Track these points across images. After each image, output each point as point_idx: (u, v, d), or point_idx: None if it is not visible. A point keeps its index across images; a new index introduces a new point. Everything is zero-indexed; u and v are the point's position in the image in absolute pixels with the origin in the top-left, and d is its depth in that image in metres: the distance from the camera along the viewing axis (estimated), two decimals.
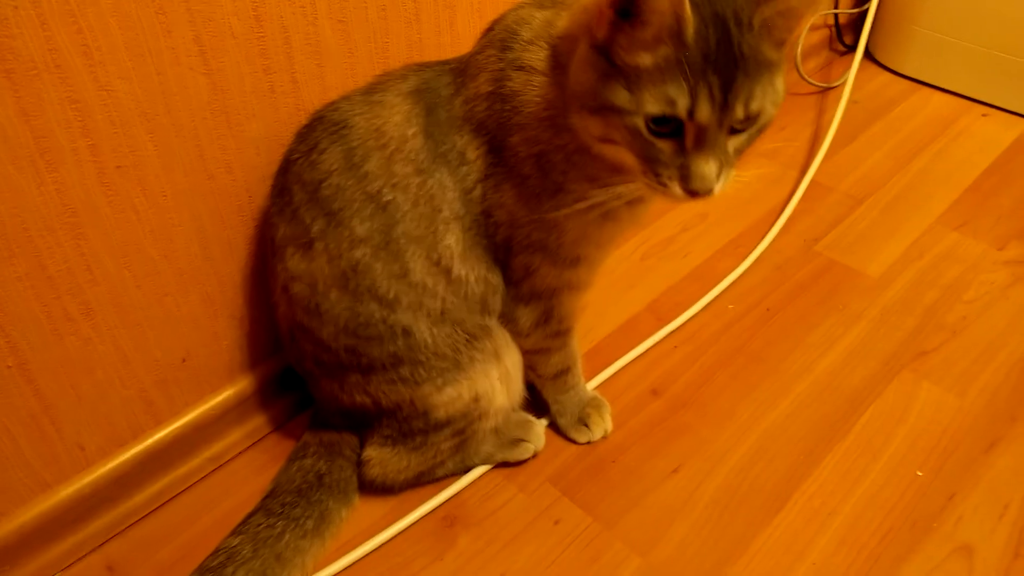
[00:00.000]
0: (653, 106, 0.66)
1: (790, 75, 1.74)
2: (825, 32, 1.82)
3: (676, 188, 0.70)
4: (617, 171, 0.76)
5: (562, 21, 0.76)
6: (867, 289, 1.27)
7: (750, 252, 1.33)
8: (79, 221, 0.79)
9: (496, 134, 0.80)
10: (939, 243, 1.35)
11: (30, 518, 0.87)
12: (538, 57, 0.77)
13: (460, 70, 0.83)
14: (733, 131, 0.69)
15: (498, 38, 0.80)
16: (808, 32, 1.72)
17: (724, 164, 0.70)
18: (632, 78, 0.66)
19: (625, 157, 0.72)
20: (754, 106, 0.68)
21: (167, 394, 0.96)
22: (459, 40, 1.05)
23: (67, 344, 0.84)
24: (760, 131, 0.72)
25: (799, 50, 1.69)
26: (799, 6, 0.66)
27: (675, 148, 0.69)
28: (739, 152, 0.72)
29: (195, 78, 0.81)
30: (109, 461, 0.93)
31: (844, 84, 1.66)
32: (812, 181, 1.48)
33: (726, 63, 0.65)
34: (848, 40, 1.86)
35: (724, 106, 0.66)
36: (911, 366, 1.14)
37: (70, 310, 0.82)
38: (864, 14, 1.77)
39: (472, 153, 0.81)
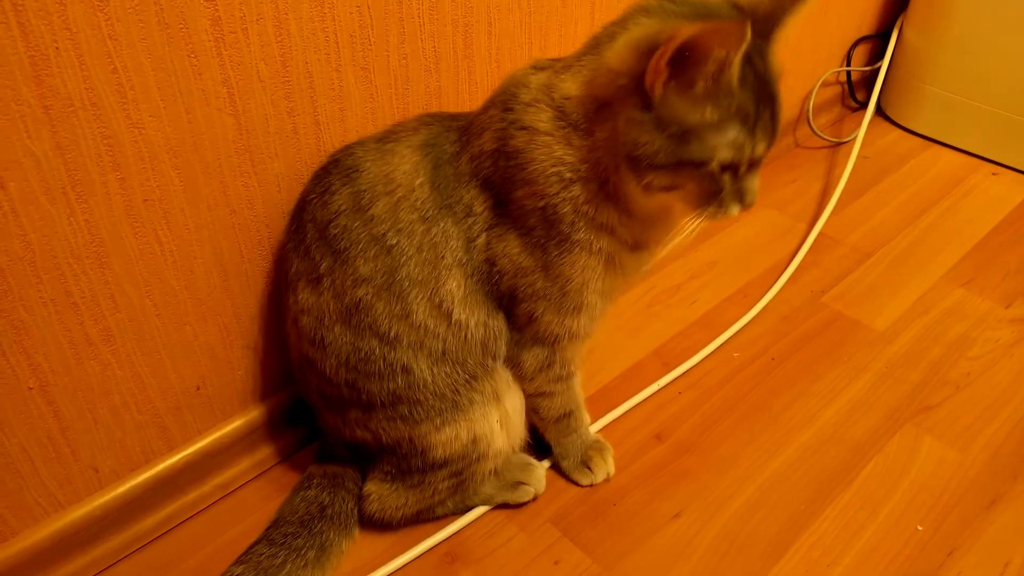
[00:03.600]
0: (725, 153, 0.74)
1: (802, 129, 1.77)
2: (837, 89, 1.86)
3: (734, 209, 0.78)
4: (631, 213, 0.82)
5: (567, 84, 0.79)
6: (872, 342, 1.28)
7: (757, 301, 1.35)
8: (105, 251, 0.82)
9: (501, 188, 0.83)
10: (945, 299, 1.37)
11: (42, 537, 0.90)
12: (539, 118, 0.80)
13: (465, 128, 0.87)
14: None
15: (500, 99, 0.84)
16: (821, 88, 1.75)
17: None
18: (697, 134, 0.73)
19: (683, 196, 0.79)
20: (781, 120, 0.77)
21: (180, 420, 0.98)
22: (477, 89, 1.08)
23: (87, 368, 0.87)
24: None
25: (811, 104, 1.73)
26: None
27: (732, 177, 0.77)
28: None
29: (222, 118, 0.85)
30: (121, 484, 0.95)
31: (855, 139, 1.69)
32: (820, 234, 1.50)
33: (769, 96, 0.74)
34: (860, 97, 1.89)
35: (774, 133, 0.76)
36: (914, 420, 1.15)
37: (91, 335, 0.85)
38: (876, 72, 1.81)
39: (479, 207, 0.85)
